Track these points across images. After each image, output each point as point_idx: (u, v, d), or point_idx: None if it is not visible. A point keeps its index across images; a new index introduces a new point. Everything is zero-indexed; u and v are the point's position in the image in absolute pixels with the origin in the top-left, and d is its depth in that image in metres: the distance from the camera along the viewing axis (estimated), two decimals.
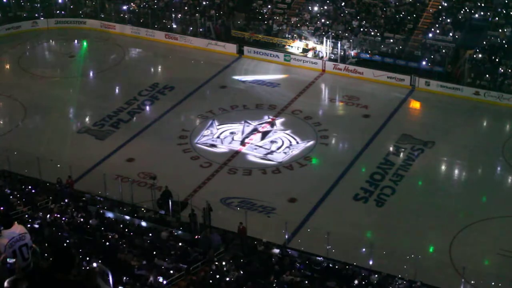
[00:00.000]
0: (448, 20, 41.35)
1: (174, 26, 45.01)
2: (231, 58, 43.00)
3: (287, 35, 43.10)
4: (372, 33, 41.88)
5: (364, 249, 25.87)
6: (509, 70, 38.10)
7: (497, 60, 38.71)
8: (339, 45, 41.24)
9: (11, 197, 27.10)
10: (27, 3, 47.07)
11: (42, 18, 46.44)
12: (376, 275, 24.06)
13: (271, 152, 33.38)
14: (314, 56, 41.64)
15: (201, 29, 44.46)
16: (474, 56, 39.21)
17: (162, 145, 34.23)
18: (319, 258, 25.19)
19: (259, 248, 25.61)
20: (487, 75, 38.33)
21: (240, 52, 43.15)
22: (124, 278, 21.33)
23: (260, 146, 33.91)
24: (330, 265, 24.79)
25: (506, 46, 39.40)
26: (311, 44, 42.19)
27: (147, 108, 37.71)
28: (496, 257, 26.72)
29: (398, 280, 23.90)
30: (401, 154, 33.27)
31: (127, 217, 27.54)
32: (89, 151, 33.54)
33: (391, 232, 28.23)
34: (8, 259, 10.58)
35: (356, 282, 23.57)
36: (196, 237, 25.98)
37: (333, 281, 23.12)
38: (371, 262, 25.21)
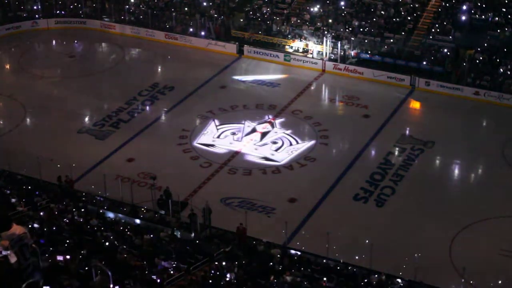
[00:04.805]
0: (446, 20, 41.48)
1: (174, 25, 45.07)
2: (231, 58, 43.00)
3: (287, 35, 43.09)
4: (372, 31, 41.86)
5: (364, 249, 25.82)
6: (509, 72, 38.09)
7: (497, 60, 38.72)
8: (339, 45, 41.26)
9: (11, 197, 27.07)
10: (27, 4, 47.02)
11: (42, 18, 46.48)
12: (376, 275, 24.05)
13: (274, 154, 33.43)
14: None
15: (203, 31, 44.45)
16: (474, 56, 39.21)
17: (162, 145, 34.25)
18: (319, 258, 25.22)
19: (259, 248, 25.60)
20: (487, 75, 38.34)
21: (240, 52, 43.16)
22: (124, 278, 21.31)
23: (262, 146, 33.96)
24: (330, 265, 24.79)
25: (506, 46, 39.39)
26: (311, 44, 42.20)
27: (147, 108, 37.73)
28: (496, 257, 26.70)
29: (398, 280, 23.92)
30: (401, 154, 33.27)
31: (127, 217, 27.56)
32: (89, 151, 33.55)
33: (391, 232, 28.22)
34: (5, 252, 10.62)
35: (356, 282, 23.56)
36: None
37: (333, 281, 23.11)
38: (371, 262, 25.19)
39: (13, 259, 10.66)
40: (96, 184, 29.75)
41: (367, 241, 26.12)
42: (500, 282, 25.34)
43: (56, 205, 26.89)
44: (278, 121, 36.06)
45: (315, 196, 30.31)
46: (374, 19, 42.63)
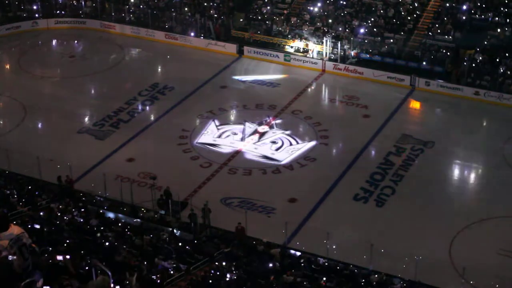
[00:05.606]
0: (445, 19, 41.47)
1: (174, 25, 45.07)
2: (231, 58, 43.00)
3: (287, 35, 43.08)
4: (372, 30, 41.86)
5: (364, 249, 25.80)
6: (509, 72, 38.08)
7: (497, 60, 38.71)
8: (339, 45, 41.26)
9: (10, 197, 27.07)
10: (27, 4, 47.01)
11: (42, 18, 46.48)
12: (376, 275, 24.05)
13: (274, 154, 33.43)
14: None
15: (202, 33, 44.48)
16: (474, 56, 39.21)
17: (162, 145, 34.24)
18: (319, 258, 25.21)
19: (259, 248, 25.59)
20: (487, 75, 38.33)
21: (240, 52, 43.15)
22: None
23: (261, 146, 33.94)
24: (330, 265, 24.78)
25: (506, 46, 39.39)
26: (311, 44, 42.20)
27: (147, 108, 37.72)
28: (496, 257, 26.70)
29: (398, 280, 23.91)
30: (401, 154, 33.26)
31: (127, 217, 27.54)
32: (89, 151, 33.54)
33: (391, 232, 28.21)
34: (9, 257, 10.62)
35: (356, 282, 23.55)
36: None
37: (333, 281, 23.10)
38: (371, 262, 25.19)
39: (15, 261, 10.68)
40: (96, 184, 29.76)
41: (367, 241, 26.09)
42: (500, 282, 25.30)
43: (56, 205, 26.89)
44: (278, 121, 36.06)
45: (315, 196, 30.31)
46: (373, 19, 42.63)
